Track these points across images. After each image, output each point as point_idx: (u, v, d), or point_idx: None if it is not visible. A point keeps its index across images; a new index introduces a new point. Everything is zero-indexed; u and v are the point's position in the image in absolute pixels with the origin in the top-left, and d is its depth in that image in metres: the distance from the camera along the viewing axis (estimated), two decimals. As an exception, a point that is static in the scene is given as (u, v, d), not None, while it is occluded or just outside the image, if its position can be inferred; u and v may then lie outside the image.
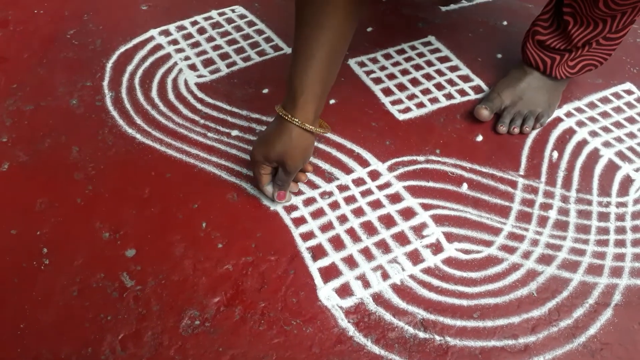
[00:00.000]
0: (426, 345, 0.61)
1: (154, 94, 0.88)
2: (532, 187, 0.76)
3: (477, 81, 0.91)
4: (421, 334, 0.62)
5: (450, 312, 0.63)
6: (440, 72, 0.92)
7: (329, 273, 0.66)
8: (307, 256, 0.68)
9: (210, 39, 0.98)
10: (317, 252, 0.68)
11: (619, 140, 0.82)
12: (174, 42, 0.97)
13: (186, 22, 1.01)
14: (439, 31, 1.00)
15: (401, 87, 0.89)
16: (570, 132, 0.83)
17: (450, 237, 0.70)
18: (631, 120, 0.85)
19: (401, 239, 0.70)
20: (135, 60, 0.94)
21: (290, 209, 0.73)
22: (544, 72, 0.82)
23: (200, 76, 0.91)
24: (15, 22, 1.01)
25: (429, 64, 0.94)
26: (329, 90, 0.67)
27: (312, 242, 0.69)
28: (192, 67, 0.92)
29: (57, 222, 0.71)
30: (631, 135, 0.83)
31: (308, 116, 0.64)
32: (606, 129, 0.84)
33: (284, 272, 0.66)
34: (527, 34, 0.82)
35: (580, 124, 0.84)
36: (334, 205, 0.73)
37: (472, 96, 0.88)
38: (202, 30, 1.00)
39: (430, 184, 0.76)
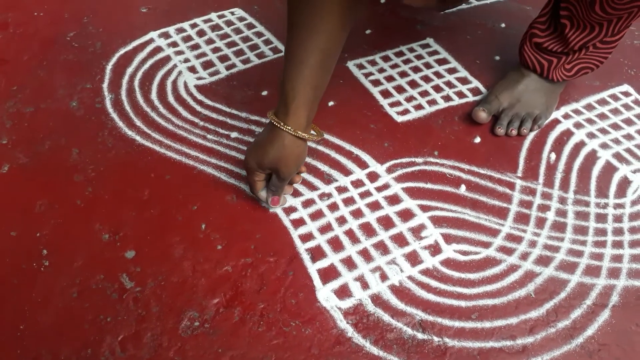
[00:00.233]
0: (424, 346, 0.61)
1: (153, 96, 0.88)
2: (529, 189, 0.76)
3: (475, 83, 0.91)
4: (420, 335, 0.62)
5: (448, 313, 0.64)
6: (438, 74, 0.93)
7: (328, 274, 0.67)
8: (306, 257, 0.68)
9: (210, 42, 0.98)
10: (316, 254, 0.69)
11: (617, 142, 0.83)
12: (174, 44, 0.97)
13: (186, 25, 1.02)
14: (437, 33, 1.00)
15: (400, 89, 0.90)
16: (567, 134, 0.84)
17: (448, 239, 0.70)
18: (628, 122, 0.86)
19: (400, 240, 0.70)
20: (134, 62, 0.94)
21: (289, 210, 0.73)
22: (541, 74, 0.82)
23: (199, 78, 0.91)
24: (15, 24, 1.01)
25: (427, 66, 0.94)
26: (321, 95, 0.66)
27: (311, 244, 0.70)
28: (192, 70, 0.93)
29: (57, 224, 0.71)
30: (628, 137, 0.83)
31: (300, 122, 0.64)
32: (604, 131, 0.84)
33: (283, 274, 0.67)
34: (525, 37, 0.83)
35: (578, 125, 0.85)
36: (333, 207, 0.73)
37: (470, 98, 0.89)
38: (201, 33, 1.00)
39: (429, 185, 0.76)
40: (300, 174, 0.75)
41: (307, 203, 0.74)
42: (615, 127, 0.85)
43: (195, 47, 0.97)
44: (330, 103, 0.87)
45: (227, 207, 0.73)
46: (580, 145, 0.82)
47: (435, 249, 0.69)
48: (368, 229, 0.71)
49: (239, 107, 0.86)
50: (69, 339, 0.61)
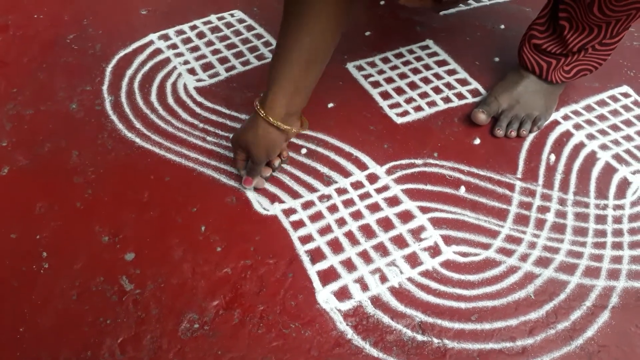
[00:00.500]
0: (424, 347, 0.61)
1: (153, 98, 0.88)
2: (529, 190, 0.76)
3: (475, 84, 0.91)
4: (419, 337, 0.62)
5: (448, 314, 0.64)
6: (438, 76, 0.93)
7: (328, 276, 0.67)
8: (305, 259, 0.68)
9: (210, 43, 0.98)
10: (316, 255, 0.69)
11: (616, 143, 0.83)
12: (173, 46, 0.98)
13: (185, 27, 1.02)
14: (436, 35, 1.00)
15: (399, 91, 0.90)
16: (567, 135, 0.84)
17: (448, 240, 0.70)
18: (628, 123, 0.86)
19: (399, 242, 0.70)
20: (134, 64, 0.94)
21: (289, 212, 0.73)
22: (540, 76, 0.82)
23: (199, 80, 0.91)
24: (15, 27, 1.02)
25: (427, 67, 0.94)
26: (306, 91, 0.69)
27: (310, 246, 0.70)
28: (191, 71, 0.93)
29: (57, 226, 0.71)
30: (628, 138, 0.83)
31: (277, 112, 0.67)
32: (603, 132, 0.84)
33: (282, 275, 0.67)
34: (524, 38, 0.83)
35: (578, 126, 0.85)
36: (333, 209, 0.74)
37: (470, 99, 0.89)
38: (201, 35, 1.00)
39: (428, 187, 0.76)
40: (281, 160, 0.76)
41: (307, 205, 0.74)
42: (615, 128, 0.85)
43: (195, 49, 0.97)
44: (330, 105, 0.87)
45: (226, 209, 0.73)
46: (579, 146, 0.82)
47: (434, 251, 0.69)
48: (368, 231, 0.71)
49: (239, 109, 0.87)
50: (69, 341, 0.61)
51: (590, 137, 0.83)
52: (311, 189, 0.76)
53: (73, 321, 0.62)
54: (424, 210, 0.74)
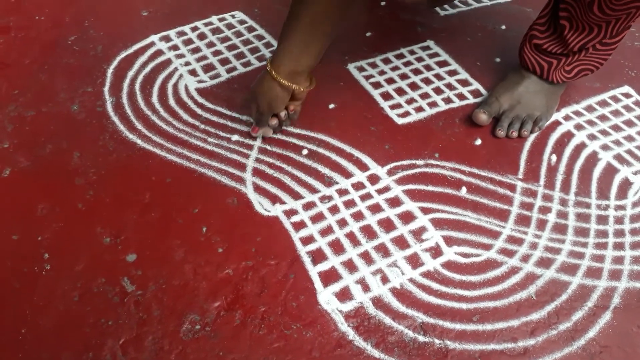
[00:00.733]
0: (426, 348, 0.61)
1: (154, 99, 0.88)
2: (530, 191, 0.76)
3: (476, 85, 0.91)
4: (421, 338, 0.62)
5: (449, 315, 0.64)
6: (439, 76, 0.93)
7: (329, 277, 0.67)
8: (307, 260, 0.68)
9: (211, 45, 0.98)
10: (317, 256, 0.69)
11: (618, 143, 0.82)
12: (175, 47, 0.98)
13: (186, 28, 1.02)
14: (437, 35, 1.00)
15: (400, 92, 0.90)
16: (568, 136, 0.84)
17: (449, 241, 0.70)
18: (629, 123, 0.86)
19: (400, 242, 0.70)
20: (135, 65, 0.94)
21: (290, 213, 0.73)
22: (541, 76, 0.82)
23: (200, 81, 0.91)
24: (17, 28, 1.02)
25: (428, 68, 0.94)
26: (314, 52, 0.71)
27: (312, 246, 0.70)
28: (193, 73, 0.93)
29: (58, 227, 0.71)
30: (629, 139, 0.83)
31: (282, 69, 0.71)
32: (604, 132, 0.84)
33: (284, 277, 0.67)
34: (525, 38, 0.83)
35: (579, 127, 0.85)
36: (334, 210, 0.74)
37: (471, 100, 0.89)
38: (202, 36, 1.00)
39: (430, 187, 0.76)
40: (288, 114, 0.79)
41: (308, 206, 0.74)
42: (616, 128, 0.85)
43: (196, 50, 0.97)
44: (331, 105, 0.87)
45: (228, 210, 0.73)
46: (581, 147, 0.82)
47: (436, 252, 0.69)
48: (369, 232, 0.71)
49: (240, 110, 0.87)
50: (70, 342, 0.61)
51: (592, 137, 0.83)
52: (312, 189, 0.76)
53: (74, 322, 0.62)
54: (425, 211, 0.74)
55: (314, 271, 0.67)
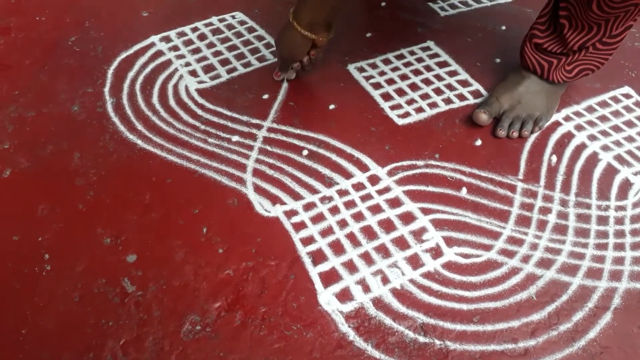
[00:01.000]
0: (426, 349, 0.61)
1: (154, 100, 0.88)
2: (531, 191, 0.76)
3: (476, 86, 0.91)
4: (421, 339, 0.62)
5: (450, 316, 0.64)
6: (439, 77, 0.93)
7: (329, 278, 0.67)
8: (307, 261, 0.68)
9: (211, 45, 0.98)
10: (317, 257, 0.69)
11: (618, 144, 0.82)
12: (175, 48, 0.98)
13: (187, 29, 1.02)
14: (437, 36, 1.00)
15: (400, 92, 0.90)
16: (569, 136, 0.84)
17: (449, 242, 0.70)
18: (630, 124, 0.86)
19: (401, 243, 0.70)
20: (136, 66, 0.94)
21: (291, 214, 0.73)
22: (542, 76, 0.82)
23: (200, 82, 0.92)
24: (17, 29, 1.02)
25: (428, 69, 0.94)
26: (332, 4, 0.75)
27: (312, 247, 0.70)
28: (193, 73, 0.93)
29: (59, 228, 0.71)
30: (630, 139, 0.83)
31: (302, 19, 0.76)
32: (605, 133, 0.84)
33: (284, 277, 0.67)
34: (525, 38, 0.83)
35: (579, 127, 0.85)
36: (334, 210, 0.74)
37: (471, 101, 0.89)
38: (202, 37, 1.00)
39: (430, 188, 0.76)
40: (310, 58, 0.84)
41: (308, 206, 0.74)
42: (616, 129, 0.85)
43: (196, 50, 0.97)
44: (331, 106, 0.87)
45: (228, 210, 0.73)
46: (581, 147, 0.82)
47: (436, 252, 0.69)
48: (369, 232, 0.71)
49: (240, 110, 0.87)
50: (71, 343, 0.61)
51: (592, 138, 0.83)
52: (312, 190, 0.76)
53: (75, 323, 0.62)
54: (425, 211, 0.74)
55: (314, 272, 0.67)
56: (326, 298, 0.65)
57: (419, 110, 0.87)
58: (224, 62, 0.95)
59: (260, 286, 0.66)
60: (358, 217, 0.73)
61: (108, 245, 0.69)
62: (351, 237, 0.71)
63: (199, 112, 0.87)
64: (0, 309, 0.64)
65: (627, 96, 0.90)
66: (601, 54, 0.79)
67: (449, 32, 1.01)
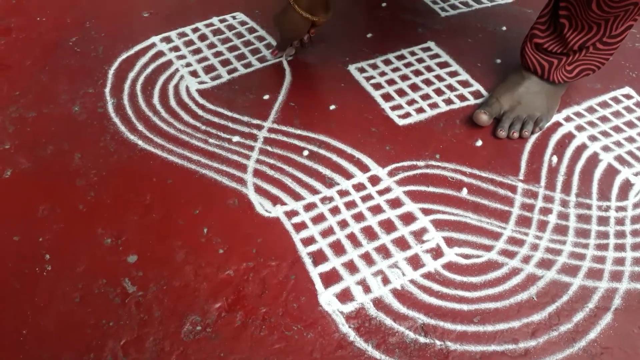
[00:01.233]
0: (427, 350, 0.61)
1: (155, 100, 0.89)
2: (531, 192, 0.76)
3: (477, 86, 0.91)
4: (422, 339, 0.62)
5: (450, 316, 0.64)
6: (439, 78, 0.93)
7: (330, 278, 0.67)
8: (307, 261, 0.68)
9: (212, 46, 0.98)
10: (318, 258, 0.69)
11: (618, 144, 0.82)
12: (175, 48, 0.98)
13: (187, 29, 1.02)
14: (438, 37, 1.00)
15: (401, 93, 0.90)
16: (569, 137, 0.84)
17: (450, 242, 0.70)
18: (630, 124, 0.86)
19: (401, 244, 0.70)
20: (136, 67, 0.94)
21: (291, 214, 0.73)
22: (542, 76, 0.82)
23: (201, 82, 0.92)
24: (18, 30, 1.02)
25: (429, 69, 0.94)
26: None
27: (312, 248, 0.70)
28: (194, 74, 0.93)
29: (59, 229, 0.71)
30: (630, 140, 0.83)
31: (301, 1, 0.78)
32: (605, 134, 0.84)
33: (284, 278, 0.67)
34: (526, 38, 0.83)
35: (580, 128, 0.85)
36: (335, 211, 0.74)
37: (472, 101, 0.89)
38: (203, 37, 1.00)
39: (430, 188, 0.76)
40: (310, 36, 0.90)
41: (309, 207, 0.74)
42: (617, 129, 0.85)
43: (197, 51, 0.97)
44: (332, 107, 0.87)
45: (228, 211, 0.73)
46: (581, 148, 0.82)
47: (437, 253, 0.69)
48: (370, 233, 0.71)
49: (241, 111, 0.87)
50: (71, 343, 0.61)
51: (593, 138, 0.83)
52: (313, 190, 0.76)
53: (75, 323, 0.63)
54: (426, 212, 0.74)
55: (314, 272, 0.67)
56: (327, 298, 0.65)
57: (420, 110, 0.87)
58: (225, 62, 0.95)
59: (260, 286, 0.66)
60: (358, 217, 0.73)
61: (109, 245, 0.69)
62: (352, 237, 0.71)
63: (200, 112, 0.87)
64: (1, 309, 0.64)
65: (628, 97, 0.90)
66: (602, 54, 0.79)
67: (450, 33, 1.01)
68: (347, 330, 0.62)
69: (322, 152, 0.81)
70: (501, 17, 1.05)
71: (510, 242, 0.71)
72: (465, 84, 0.92)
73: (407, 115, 0.86)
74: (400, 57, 0.96)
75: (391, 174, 0.78)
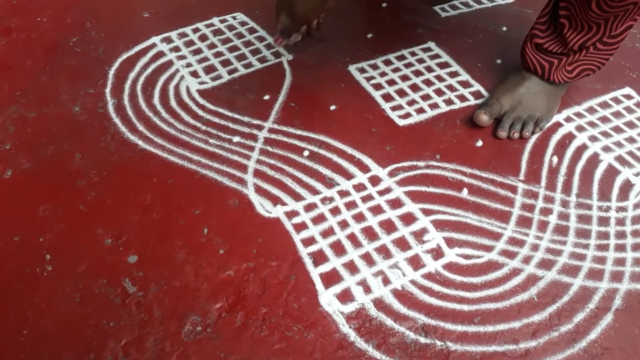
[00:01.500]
0: (427, 350, 0.61)
1: (156, 100, 0.89)
2: (532, 192, 0.76)
3: (477, 87, 0.91)
4: (422, 339, 0.62)
5: (451, 317, 0.64)
6: (440, 78, 0.93)
7: (330, 278, 0.67)
8: (308, 262, 0.68)
9: (212, 46, 0.98)
10: (318, 258, 0.69)
11: (619, 144, 0.82)
12: (176, 49, 0.98)
13: (188, 29, 1.02)
14: (438, 37, 1.00)
15: (401, 93, 0.90)
16: (570, 137, 0.84)
17: (450, 242, 0.70)
18: (630, 124, 0.86)
19: (402, 244, 0.70)
20: (137, 67, 0.94)
21: (292, 214, 0.73)
22: (542, 76, 0.83)
23: (201, 83, 0.92)
24: (19, 30, 1.02)
25: (429, 69, 0.94)
26: None
27: (313, 248, 0.70)
28: (194, 74, 0.93)
29: (60, 229, 0.71)
30: (631, 140, 0.83)
31: None
32: (606, 134, 0.84)
33: (285, 278, 0.67)
34: (526, 38, 0.83)
35: (580, 128, 0.85)
36: (335, 211, 0.74)
37: (472, 102, 0.89)
38: (203, 37, 1.00)
39: (431, 189, 0.76)
40: (318, 21, 0.86)
41: (309, 207, 0.74)
42: (618, 130, 0.85)
43: (198, 51, 0.97)
44: (332, 107, 0.87)
45: (229, 211, 0.73)
46: (582, 148, 0.82)
47: (437, 253, 0.69)
48: (370, 233, 0.71)
49: (241, 111, 0.87)
50: (72, 343, 0.61)
51: (593, 139, 0.83)
52: (313, 191, 0.76)
53: (76, 324, 0.63)
54: (426, 212, 0.74)
55: (315, 272, 0.67)
56: (327, 299, 0.65)
57: (420, 111, 0.87)
58: (225, 62, 0.95)
59: (261, 287, 0.66)
60: (359, 217, 0.73)
61: (109, 245, 0.69)
62: (352, 237, 0.71)
63: (200, 112, 0.87)
64: (1, 310, 0.64)
65: (628, 97, 0.90)
66: (602, 54, 0.79)
67: (450, 33, 1.01)
68: (347, 330, 0.62)
69: (323, 152, 0.81)
70: (501, 17, 1.05)
71: (511, 242, 0.71)
72: (465, 84, 0.92)
73: (408, 115, 0.86)
74: (401, 58, 0.96)
75: (391, 174, 0.78)
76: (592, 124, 0.85)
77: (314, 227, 0.72)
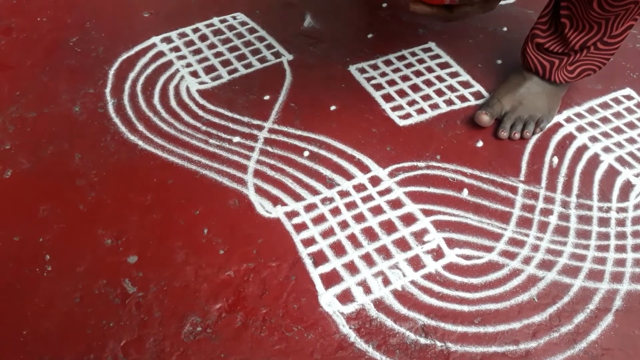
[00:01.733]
0: (427, 351, 0.61)
1: (156, 100, 0.88)
2: (532, 193, 0.76)
3: (478, 87, 0.91)
4: (422, 340, 0.62)
5: (451, 317, 0.64)
6: (440, 78, 0.93)
7: (330, 279, 0.67)
8: (308, 262, 0.68)
9: (212, 46, 0.98)
10: (318, 258, 0.69)
11: (619, 145, 0.82)
12: (176, 49, 0.98)
13: (188, 29, 1.02)
14: (439, 37, 1.00)
15: (402, 94, 0.90)
16: (570, 138, 0.84)
17: (451, 243, 0.70)
18: (631, 125, 0.86)
19: (402, 244, 0.70)
20: (137, 67, 0.94)
21: (292, 215, 0.73)
22: (543, 76, 0.82)
23: (201, 83, 0.92)
24: (19, 30, 1.02)
25: (430, 70, 0.94)
26: None
27: (313, 248, 0.70)
28: (194, 74, 0.93)
29: (60, 229, 0.71)
30: (631, 141, 0.83)
31: None
32: (606, 135, 0.84)
33: (285, 278, 0.67)
34: (527, 38, 0.83)
35: (580, 129, 0.85)
36: (335, 211, 0.73)
37: (473, 102, 0.89)
38: (203, 37, 1.00)
39: (431, 189, 0.76)
40: None
41: (309, 207, 0.74)
42: (618, 130, 0.85)
43: (198, 51, 0.97)
44: (333, 107, 0.87)
45: (229, 211, 0.73)
46: (582, 149, 0.82)
47: (437, 254, 0.69)
48: (370, 234, 0.71)
49: (241, 111, 0.87)
50: (72, 344, 0.61)
51: (593, 139, 0.83)
52: (314, 191, 0.76)
53: (76, 324, 0.62)
54: (426, 212, 0.73)
55: (315, 273, 0.67)
56: (327, 299, 0.65)
57: (420, 111, 0.87)
58: (225, 63, 0.95)
59: (261, 287, 0.66)
60: (359, 218, 0.73)
61: (109, 246, 0.69)
62: (352, 238, 0.71)
63: (200, 113, 0.87)
64: (1, 310, 0.64)
65: (629, 97, 0.90)
66: (602, 54, 0.79)
67: (450, 33, 1.01)
68: (347, 331, 0.62)
69: (323, 152, 0.81)
70: (502, 17, 1.05)
71: (511, 243, 0.71)
72: (466, 84, 0.92)
73: (408, 115, 0.86)
74: (401, 58, 0.96)
75: (392, 174, 0.78)
76: (592, 125, 0.85)
77: (314, 227, 0.72)
